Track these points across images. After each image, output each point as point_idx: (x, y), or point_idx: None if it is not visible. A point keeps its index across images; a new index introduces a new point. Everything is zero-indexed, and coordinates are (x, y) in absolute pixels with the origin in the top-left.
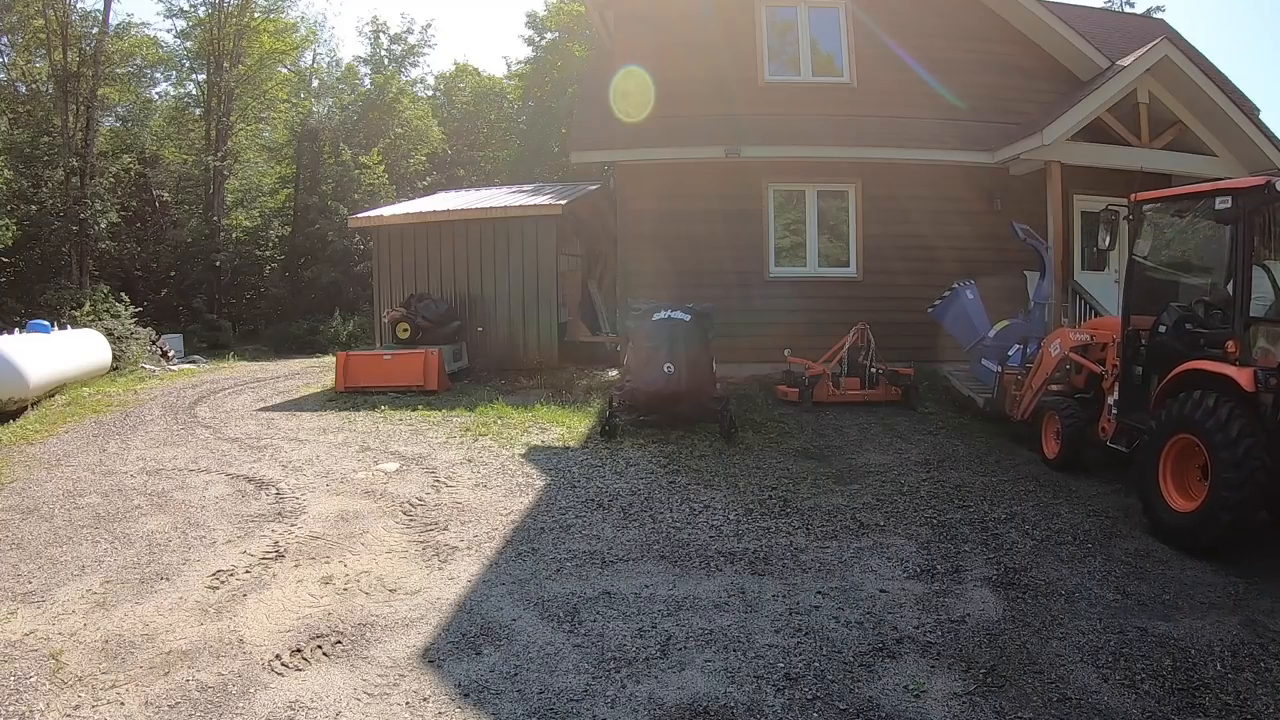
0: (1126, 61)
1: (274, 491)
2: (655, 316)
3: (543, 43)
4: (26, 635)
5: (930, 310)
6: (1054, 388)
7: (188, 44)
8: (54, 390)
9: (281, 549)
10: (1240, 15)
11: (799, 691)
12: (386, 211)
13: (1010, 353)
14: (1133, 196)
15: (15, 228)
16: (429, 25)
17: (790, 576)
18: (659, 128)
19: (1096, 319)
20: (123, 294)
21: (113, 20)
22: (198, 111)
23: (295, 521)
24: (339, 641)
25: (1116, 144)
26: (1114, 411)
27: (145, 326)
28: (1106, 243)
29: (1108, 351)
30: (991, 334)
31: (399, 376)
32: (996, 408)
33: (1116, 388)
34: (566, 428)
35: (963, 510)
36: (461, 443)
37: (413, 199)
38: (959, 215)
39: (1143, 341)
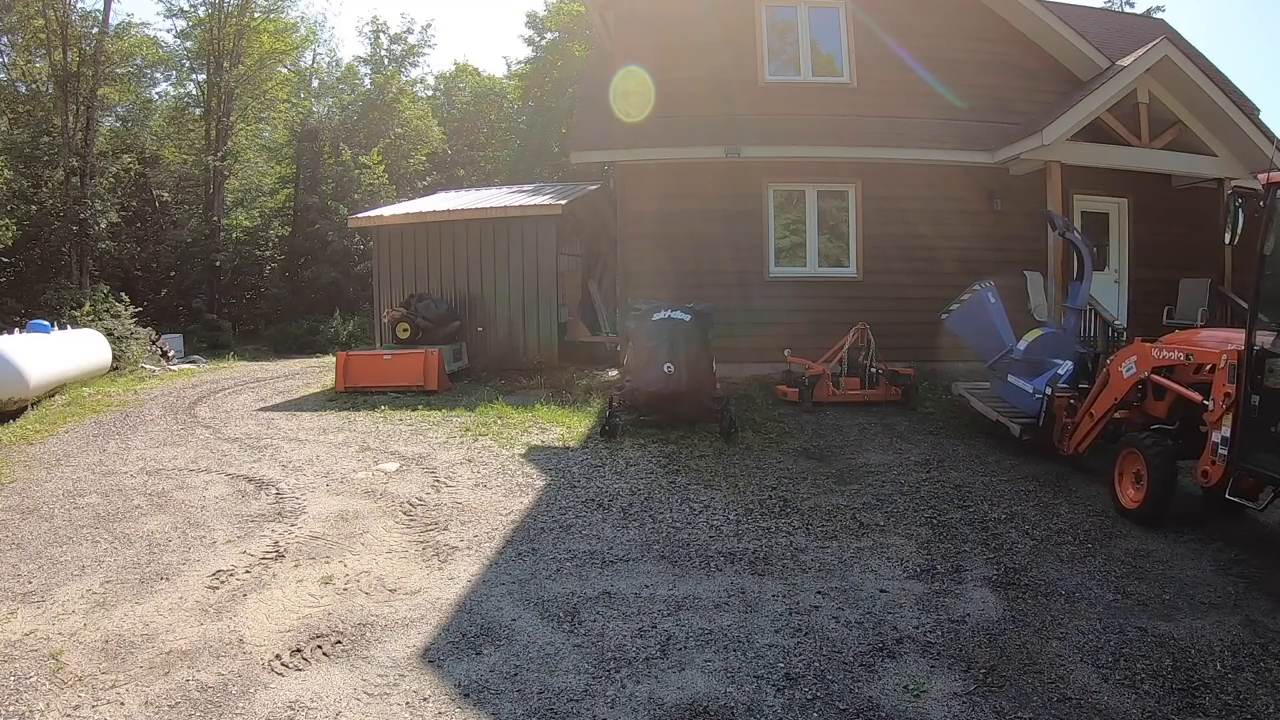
0: (1126, 61)
1: (274, 491)
2: (655, 316)
3: (543, 43)
4: (26, 635)
5: (944, 316)
6: (1117, 415)
7: (188, 44)
8: (54, 390)
9: (281, 549)
10: (1240, 15)
11: (799, 691)
12: (386, 211)
13: (1061, 370)
14: (1265, 178)
15: (15, 228)
16: (429, 25)
17: (790, 576)
18: (659, 128)
19: (1185, 332)
20: (123, 294)
21: (113, 20)
22: (198, 111)
23: (295, 521)
24: (339, 641)
25: (1116, 144)
26: (1223, 452)
27: (145, 326)
28: (1229, 237)
29: (1216, 375)
30: (1022, 346)
31: (399, 376)
32: (1041, 438)
33: (1227, 421)
34: (566, 428)
35: (963, 510)
36: (461, 443)
37: (413, 199)
38: (959, 215)
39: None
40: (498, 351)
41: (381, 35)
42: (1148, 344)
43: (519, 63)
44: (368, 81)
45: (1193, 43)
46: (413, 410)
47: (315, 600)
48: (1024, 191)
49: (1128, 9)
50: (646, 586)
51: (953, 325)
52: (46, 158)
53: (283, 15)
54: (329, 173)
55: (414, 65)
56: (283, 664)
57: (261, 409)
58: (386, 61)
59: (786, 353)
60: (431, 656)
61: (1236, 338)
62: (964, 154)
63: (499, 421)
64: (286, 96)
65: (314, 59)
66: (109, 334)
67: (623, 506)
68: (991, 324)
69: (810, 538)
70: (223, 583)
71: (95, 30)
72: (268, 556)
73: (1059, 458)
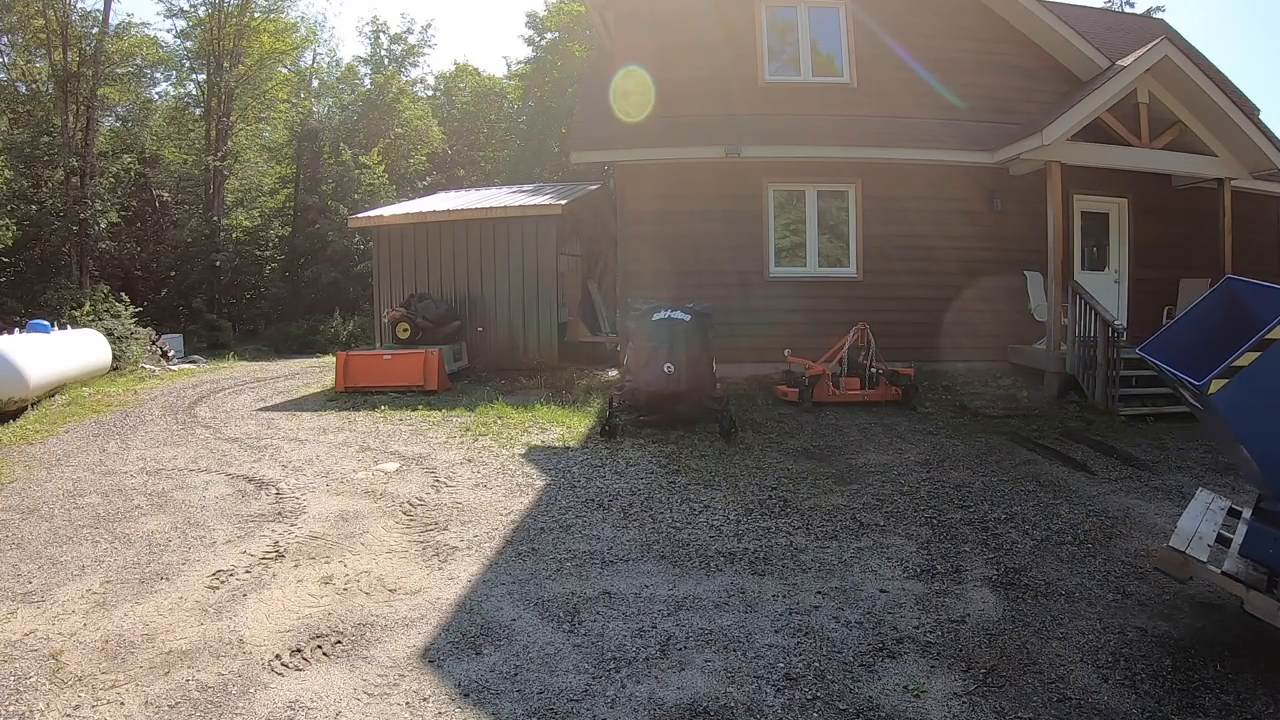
0: (1126, 61)
1: (274, 491)
2: (655, 316)
3: (543, 43)
4: (26, 635)
5: (1162, 361)
6: None
7: (188, 44)
8: (54, 390)
9: (281, 549)
10: (1240, 15)
11: (799, 691)
12: (386, 211)
13: None
14: None
15: (15, 228)
16: (429, 25)
17: (790, 576)
18: (659, 128)
19: None
20: (123, 294)
21: (113, 20)
22: (198, 111)
23: (295, 521)
24: (339, 641)
25: (1116, 144)
26: None
27: (145, 326)
28: None
29: None
30: None
31: (399, 376)
32: None
33: None
34: (566, 428)
35: (963, 510)
36: (461, 443)
37: (413, 199)
38: (959, 215)
39: None
40: (498, 351)
41: (381, 35)
42: None
43: (519, 63)
44: (368, 81)
45: (1193, 43)
46: (413, 410)
47: (315, 600)
48: (1024, 191)
49: (1128, 9)
50: (646, 586)
51: (1226, 409)
52: (46, 158)
53: (283, 15)
54: (329, 173)
55: (414, 65)
56: (283, 664)
57: (261, 409)
58: (386, 61)
59: (786, 353)
60: (431, 656)
61: None
62: (964, 154)
63: (499, 421)
64: (286, 96)
65: (314, 59)
66: (109, 334)
67: (623, 506)
68: None
69: (810, 538)
70: (223, 583)
71: (95, 30)
72: (268, 556)
73: None
